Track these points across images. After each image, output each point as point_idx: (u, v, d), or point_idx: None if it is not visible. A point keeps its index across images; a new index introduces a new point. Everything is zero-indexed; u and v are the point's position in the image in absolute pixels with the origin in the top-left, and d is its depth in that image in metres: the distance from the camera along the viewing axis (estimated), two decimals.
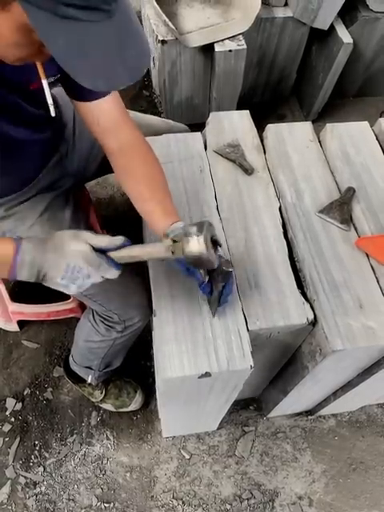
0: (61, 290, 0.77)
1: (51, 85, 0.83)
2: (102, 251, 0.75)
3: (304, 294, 1.00)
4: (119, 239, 0.76)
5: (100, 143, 0.96)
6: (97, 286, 1.07)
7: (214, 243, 0.80)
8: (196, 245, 0.74)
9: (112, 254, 0.77)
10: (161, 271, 1.00)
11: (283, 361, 1.21)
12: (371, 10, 1.95)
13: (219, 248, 0.83)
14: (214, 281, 0.84)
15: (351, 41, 1.91)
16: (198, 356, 0.90)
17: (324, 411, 1.50)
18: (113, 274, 0.77)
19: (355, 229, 1.10)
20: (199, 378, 0.89)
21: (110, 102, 0.91)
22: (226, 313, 0.95)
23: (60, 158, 1.09)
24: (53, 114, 0.83)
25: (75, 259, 0.72)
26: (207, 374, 0.89)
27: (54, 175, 1.08)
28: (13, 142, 0.89)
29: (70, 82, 0.74)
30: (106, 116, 0.92)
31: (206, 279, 0.83)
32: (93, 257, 0.73)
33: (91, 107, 0.91)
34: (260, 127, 1.29)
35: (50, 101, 0.81)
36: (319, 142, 1.26)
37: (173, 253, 0.77)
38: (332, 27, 1.95)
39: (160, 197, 0.91)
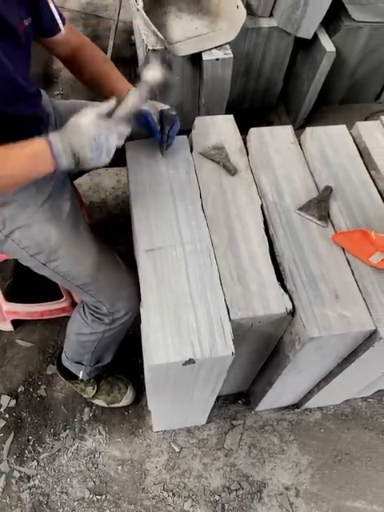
0: (96, 164, 0.93)
1: (27, 28, 0.96)
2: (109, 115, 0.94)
3: (284, 286, 1.05)
4: (113, 101, 0.95)
5: (61, 58, 1.18)
6: (89, 276, 1.12)
7: (168, 65, 1.00)
8: (152, 71, 0.97)
9: (118, 114, 0.96)
10: (148, 264, 1.05)
11: (267, 353, 1.26)
12: (353, 19, 2.03)
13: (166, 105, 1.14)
14: (163, 127, 1.14)
15: (334, 49, 1.99)
16: (183, 344, 0.95)
17: (310, 404, 1.55)
18: (125, 128, 0.95)
19: (332, 225, 1.16)
20: (183, 365, 0.95)
21: (67, 30, 1.12)
22: (210, 304, 1.00)
23: None
24: (63, 29, 1.09)
25: (92, 131, 0.88)
26: (191, 361, 0.94)
27: None
28: (9, 120, 0.95)
29: (39, 23, 1.01)
30: (65, 39, 1.13)
31: (158, 128, 1.14)
32: (101, 122, 0.91)
33: (55, 39, 1.11)
34: (248, 133, 1.35)
35: (56, 14, 1.05)
36: (299, 144, 1.33)
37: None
38: (315, 36, 2.03)
39: (110, 80, 1.17)
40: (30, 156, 0.89)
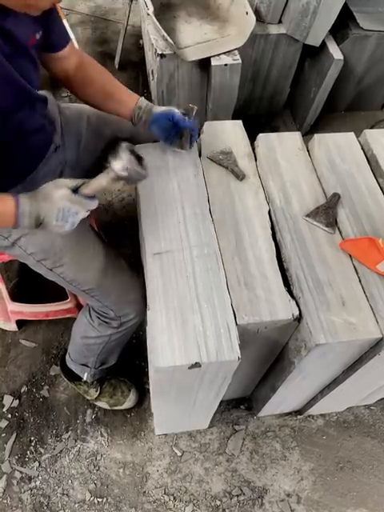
0: (57, 230, 0.95)
1: (38, 41, 0.98)
2: (76, 191, 0.94)
3: (290, 292, 1.06)
4: (81, 180, 0.96)
5: (60, 73, 1.16)
6: (95, 281, 1.13)
7: (138, 158, 0.97)
8: (119, 164, 0.93)
9: (84, 191, 0.96)
10: (156, 267, 1.06)
11: (272, 359, 1.26)
12: (361, 28, 2.04)
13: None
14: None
15: (342, 57, 2.00)
16: (189, 347, 0.95)
17: (312, 411, 1.55)
18: (94, 204, 0.97)
19: (340, 232, 1.16)
20: (189, 368, 0.95)
21: (69, 47, 1.12)
22: (217, 308, 1.00)
23: (55, 148, 1.16)
24: (75, 41, 1.06)
25: (63, 203, 0.91)
26: (197, 365, 0.94)
27: (51, 165, 1.15)
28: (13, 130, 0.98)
29: (47, 38, 1.01)
30: (66, 55, 1.13)
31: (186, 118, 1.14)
32: (74, 197, 0.92)
33: (58, 55, 1.11)
34: (254, 139, 1.35)
35: (69, 28, 1.05)
36: (307, 151, 1.34)
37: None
38: (324, 44, 2.04)
39: (118, 91, 1.18)
40: None
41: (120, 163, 0.93)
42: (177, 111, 1.13)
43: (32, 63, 0.98)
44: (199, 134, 1.26)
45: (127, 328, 1.21)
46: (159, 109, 1.15)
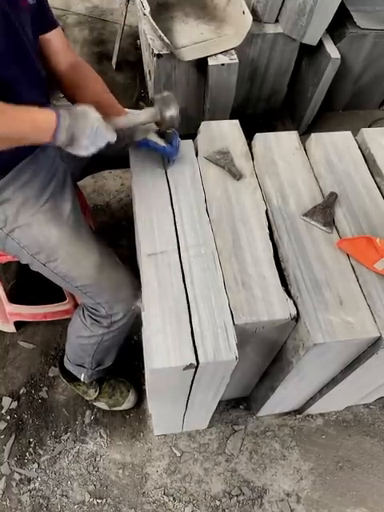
0: (82, 152, 0.96)
1: (31, 7, 1.01)
2: None
3: (288, 292, 1.05)
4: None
5: (54, 69, 1.17)
6: (89, 277, 1.12)
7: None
8: (170, 112, 1.05)
9: (118, 121, 1.03)
10: (151, 268, 1.05)
11: (270, 358, 1.26)
12: (358, 26, 2.04)
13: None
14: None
15: (339, 56, 2.00)
16: (186, 348, 0.95)
17: (312, 410, 1.55)
18: (113, 137, 1.00)
19: (337, 231, 1.16)
20: (184, 369, 0.94)
21: (58, 32, 1.16)
22: (214, 308, 1.00)
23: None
24: (58, 28, 1.13)
25: (98, 123, 0.95)
26: (191, 366, 0.93)
27: (49, 156, 1.16)
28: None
29: (39, 14, 1.04)
30: (58, 41, 1.16)
31: (163, 144, 1.13)
32: (106, 123, 0.97)
33: (49, 37, 1.13)
34: (252, 138, 1.35)
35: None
36: (305, 150, 1.33)
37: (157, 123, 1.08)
38: (321, 43, 2.04)
39: (108, 100, 1.18)
40: (37, 125, 0.91)
41: (172, 111, 1.04)
42: (151, 139, 1.12)
43: (27, 23, 1.00)
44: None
45: (118, 327, 1.21)
46: (139, 135, 1.13)
